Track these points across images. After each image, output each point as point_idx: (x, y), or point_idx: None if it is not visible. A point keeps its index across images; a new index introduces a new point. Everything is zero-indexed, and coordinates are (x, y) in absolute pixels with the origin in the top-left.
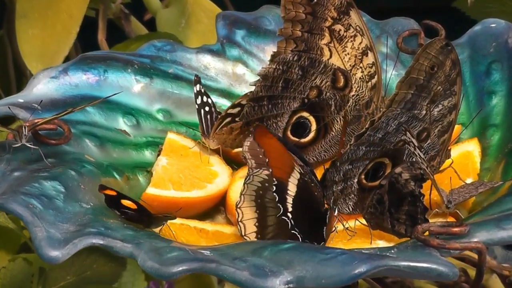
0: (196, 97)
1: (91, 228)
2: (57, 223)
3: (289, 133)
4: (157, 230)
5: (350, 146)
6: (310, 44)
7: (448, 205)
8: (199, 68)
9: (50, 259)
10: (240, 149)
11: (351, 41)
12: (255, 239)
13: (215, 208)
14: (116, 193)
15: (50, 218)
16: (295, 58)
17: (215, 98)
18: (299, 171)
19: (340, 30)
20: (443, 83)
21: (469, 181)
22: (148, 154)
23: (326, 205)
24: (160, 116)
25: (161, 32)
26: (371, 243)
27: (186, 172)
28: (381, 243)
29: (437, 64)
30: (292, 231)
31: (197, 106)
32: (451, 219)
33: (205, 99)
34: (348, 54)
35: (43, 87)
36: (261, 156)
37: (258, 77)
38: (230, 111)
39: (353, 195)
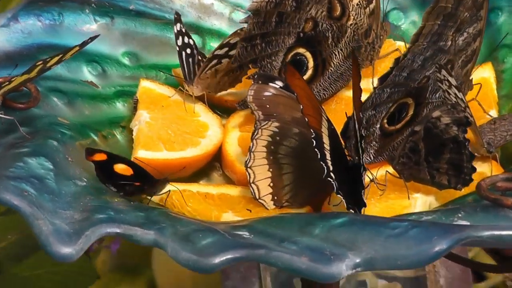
0: (177, 38)
1: (99, 213)
2: (58, 210)
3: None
4: (157, 199)
5: (375, 89)
6: None
7: (489, 149)
8: (162, 1)
9: (62, 257)
10: (224, 92)
11: None
12: (271, 201)
13: (210, 164)
14: (106, 155)
15: (48, 205)
16: None
17: None
18: (325, 118)
19: None
20: (470, 9)
21: (492, 113)
22: (120, 107)
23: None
24: (126, 61)
25: None
26: (408, 198)
27: (173, 127)
28: (419, 197)
29: None
30: (338, 195)
31: (177, 48)
32: (495, 165)
33: (186, 39)
34: None
35: None
36: (268, 105)
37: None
38: (217, 52)
39: (374, 142)
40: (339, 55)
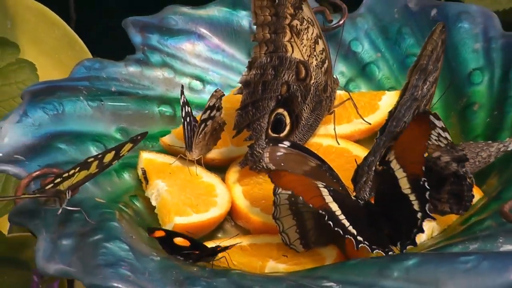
0: (182, 109)
1: (194, 286)
2: None
3: (270, 131)
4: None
5: (376, 139)
6: (277, 43)
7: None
8: (134, 80)
9: None
10: (214, 152)
11: (306, 33)
12: (300, 245)
13: None
14: (164, 232)
15: (149, 285)
16: (268, 60)
17: (156, 106)
18: (322, 185)
19: (297, 24)
20: (434, 62)
21: None
22: (127, 178)
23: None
24: (119, 136)
25: None
26: None
27: (188, 191)
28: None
29: (434, 46)
30: (361, 245)
31: (182, 120)
32: (476, 188)
33: (187, 109)
34: (304, 46)
35: (12, 134)
36: (282, 164)
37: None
38: (203, 117)
39: (370, 182)
40: (307, 110)
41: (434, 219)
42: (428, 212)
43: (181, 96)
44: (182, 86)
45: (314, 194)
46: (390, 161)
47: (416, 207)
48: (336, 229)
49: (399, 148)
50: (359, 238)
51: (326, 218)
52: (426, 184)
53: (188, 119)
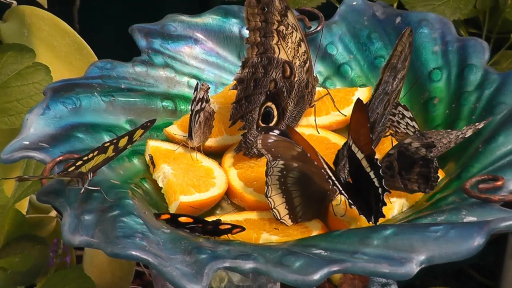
0: (198, 103)
1: (201, 254)
2: (170, 256)
3: (260, 122)
4: None
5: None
6: (266, 46)
7: None
8: (140, 79)
9: None
10: (211, 140)
11: (290, 37)
12: (289, 219)
13: None
14: (169, 215)
15: (162, 254)
16: (259, 60)
17: (160, 101)
18: (320, 156)
19: (283, 29)
20: (402, 61)
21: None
22: (137, 163)
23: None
24: (128, 126)
25: (11, 43)
26: (390, 202)
27: (191, 174)
28: (396, 200)
29: (403, 47)
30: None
31: (194, 111)
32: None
33: (204, 105)
34: (289, 48)
35: (37, 125)
36: (273, 149)
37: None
38: (196, 108)
39: (347, 164)
40: (292, 103)
41: (389, 192)
42: (385, 186)
43: (198, 91)
44: (203, 83)
45: (316, 157)
46: (351, 145)
47: (376, 183)
48: (334, 187)
49: (353, 133)
50: (350, 201)
51: (326, 177)
52: (377, 161)
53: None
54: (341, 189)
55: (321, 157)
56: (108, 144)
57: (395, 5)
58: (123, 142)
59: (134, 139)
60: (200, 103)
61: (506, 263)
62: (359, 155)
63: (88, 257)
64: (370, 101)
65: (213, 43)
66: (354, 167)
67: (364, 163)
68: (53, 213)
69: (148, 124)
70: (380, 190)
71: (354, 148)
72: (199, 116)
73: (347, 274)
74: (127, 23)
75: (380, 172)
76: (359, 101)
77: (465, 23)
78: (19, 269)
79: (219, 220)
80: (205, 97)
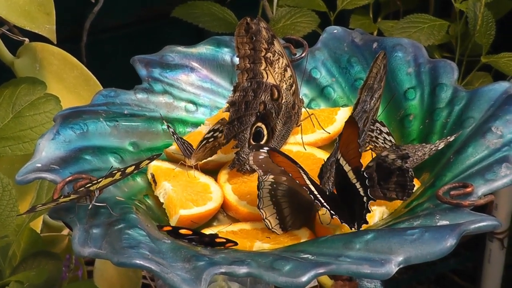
0: (173, 136)
1: (200, 261)
2: (172, 264)
3: (251, 141)
4: None
5: (336, 144)
6: (255, 71)
7: None
8: (142, 105)
9: None
10: (206, 160)
11: (277, 63)
12: (280, 228)
13: None
14: (171, 227)
15: (164, 262)
16: (249, 84)
17: (160, 125)
18: (303, 172)
19: (270, 56)
20: (378, 81)
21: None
22: (140, 181)
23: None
24: (131, 148)
25: (24, 77)
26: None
27: (189, 190)
28: (376, 208)
29: (378, 69)
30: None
31: (176, 141)
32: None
33: (176, 136)
34: (276, 73)
35: (48, 149)
36: (264, 165)
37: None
38: (206, 136)
39: (332, 177)
40: (280, 123)
41: (374, 200)
42: (370, 195)
43: (168, 129)
44: (168, 126)
45: (298, 175)
46: (339, 158)
47: (362, 193)
48: (316, 202)
49: (342, 148)
50: (332, 212)
51: (308, 192)
52: (364, 173)
53: (179, 140)
54: (322, 202)
55: (305, 172)
56: (115, 171)
57: (375, 33)
58: (129, 169)
59: (140, 167)
60: (212, 132)
61: (485, 268)
62: (346, 168)
63: (98, 271)
64: None
65: (207, 70)
66: (340, 178)
67: (351, 175)
68: (66, 231)
69: (154, 156)
70: (365, 198)
71: (342, 161)
72: (207, 143)
73: (337, 281)
74: (129, 56)
75: (366, 182)
76: (352, 118)
77: (439, 48)
78: (35, 282)
79: (216, 234)
80: (220, 129)
